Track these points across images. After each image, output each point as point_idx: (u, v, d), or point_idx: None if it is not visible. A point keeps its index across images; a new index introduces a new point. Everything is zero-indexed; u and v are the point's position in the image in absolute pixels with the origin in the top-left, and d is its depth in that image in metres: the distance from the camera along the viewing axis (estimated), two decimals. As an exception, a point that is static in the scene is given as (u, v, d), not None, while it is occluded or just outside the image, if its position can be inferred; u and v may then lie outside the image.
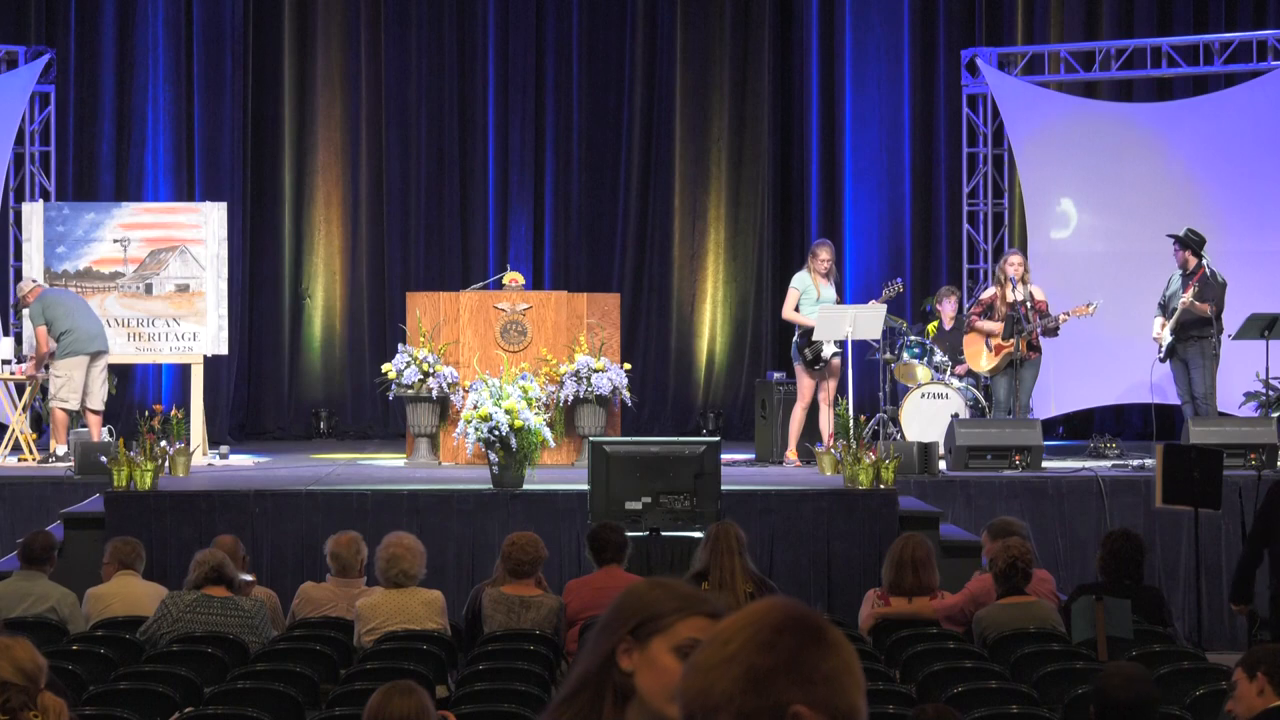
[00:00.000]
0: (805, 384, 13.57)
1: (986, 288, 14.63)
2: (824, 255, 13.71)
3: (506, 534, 8.77)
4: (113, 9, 17.05)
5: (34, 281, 13.76)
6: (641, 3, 17.61)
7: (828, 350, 13.41)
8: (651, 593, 2.81)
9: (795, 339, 13.67)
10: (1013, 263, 13.95)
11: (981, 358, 13.91)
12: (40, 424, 14.66)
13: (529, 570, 8.21)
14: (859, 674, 2.30)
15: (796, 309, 13.60)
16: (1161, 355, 13.77)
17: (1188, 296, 13.47)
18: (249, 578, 8.62)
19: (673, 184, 17.70)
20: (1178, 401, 14.22)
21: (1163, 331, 13.75)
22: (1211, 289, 13.60)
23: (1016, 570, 8.06)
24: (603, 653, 2.78)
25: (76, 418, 13.64)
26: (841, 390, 13.51)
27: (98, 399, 13.45)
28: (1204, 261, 13.74)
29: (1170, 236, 13.97)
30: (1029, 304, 13.74)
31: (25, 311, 13.71)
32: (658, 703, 2.71)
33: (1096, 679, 5.61)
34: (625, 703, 2.76)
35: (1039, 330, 13.72)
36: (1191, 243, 13.79)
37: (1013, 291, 13.77)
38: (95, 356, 13.41)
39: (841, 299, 14.06)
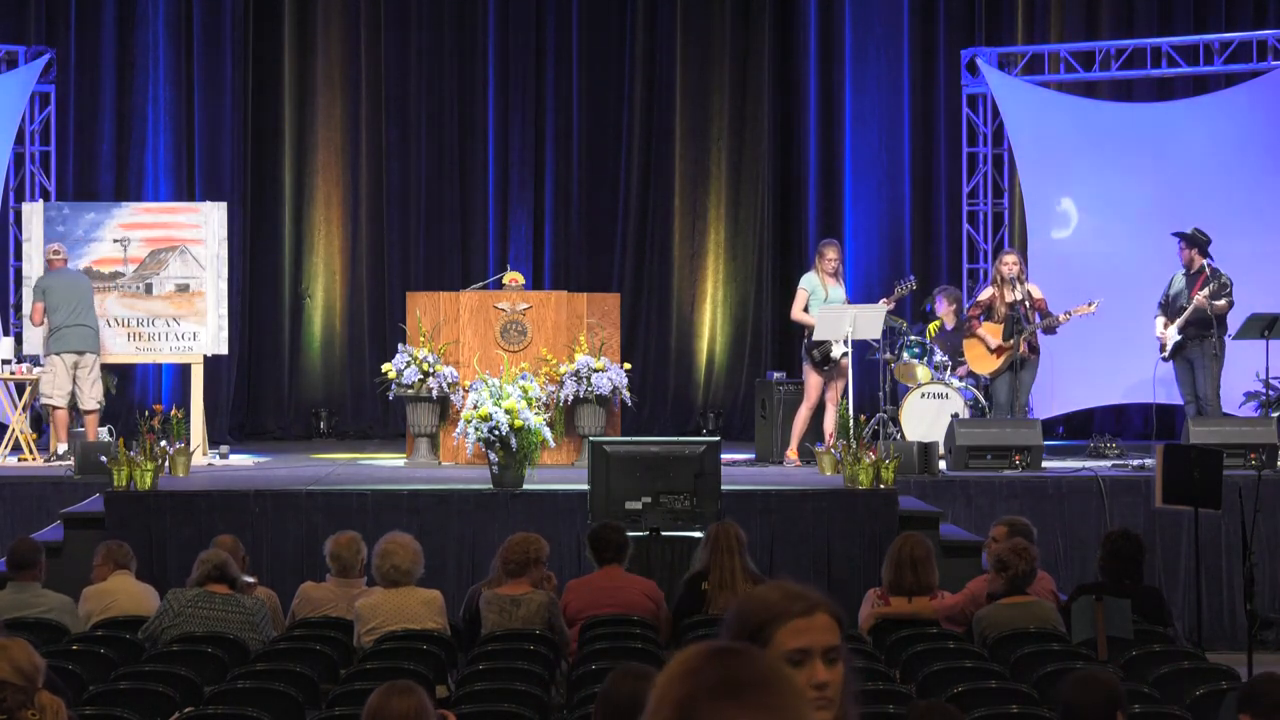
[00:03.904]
0: (813, 384, 13.56)
1: (984, 288, 14.64)
2: (831, 255, 13.71)
3: (507, 534, 8.78)
4: (113, 9, 17.05)
5: (57, 253, 13.71)
6: (641, 3, 17.61)
7: (837, 350, 13.40)
8: (751, 606, 2.77)
9: (804, 339, 13.66)
10: (1007, 262, 13.97)
11: (984, 360, 13.92)
12: (40, 424, 14.67)
13: (521, 570, 8.20)
14: (790, 677, 2.27)
15: (805, 309, 13.60)
16: (1166, 355, 13.78)
17: (1202, 295, 13.47)
18: (251, 579, 8.62)
19: (673, 184, 17.70)
20: (1179, 401, 14.23)
21: (1167, 330, 13.76)
22: (1222, 288, 13.61)
23: (1013, 569, 8.05)
24: None
25: (77, 416, 13.64)
26: (843, 390, 13.52)
27: (88, 399, 13.41)
28: (1208, 261, 13.76)
29: (1177, 234, 13.99)
30: (1027, 303, 13.75)
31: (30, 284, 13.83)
32: None
33: (1061, 687, 5.56)
34: None
35: (1039, 329, 13.74)
36: (1199, 242, 13.81)
37: (1011, 291, 13.78)
38: (79, 357, 13.37)
39: (848, 299, 14.06)
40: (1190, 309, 13.57)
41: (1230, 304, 13.67)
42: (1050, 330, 13.87)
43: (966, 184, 17.17)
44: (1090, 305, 13.62)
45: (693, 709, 2.20)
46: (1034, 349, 13.83)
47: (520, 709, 6.55)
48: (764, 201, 17.59)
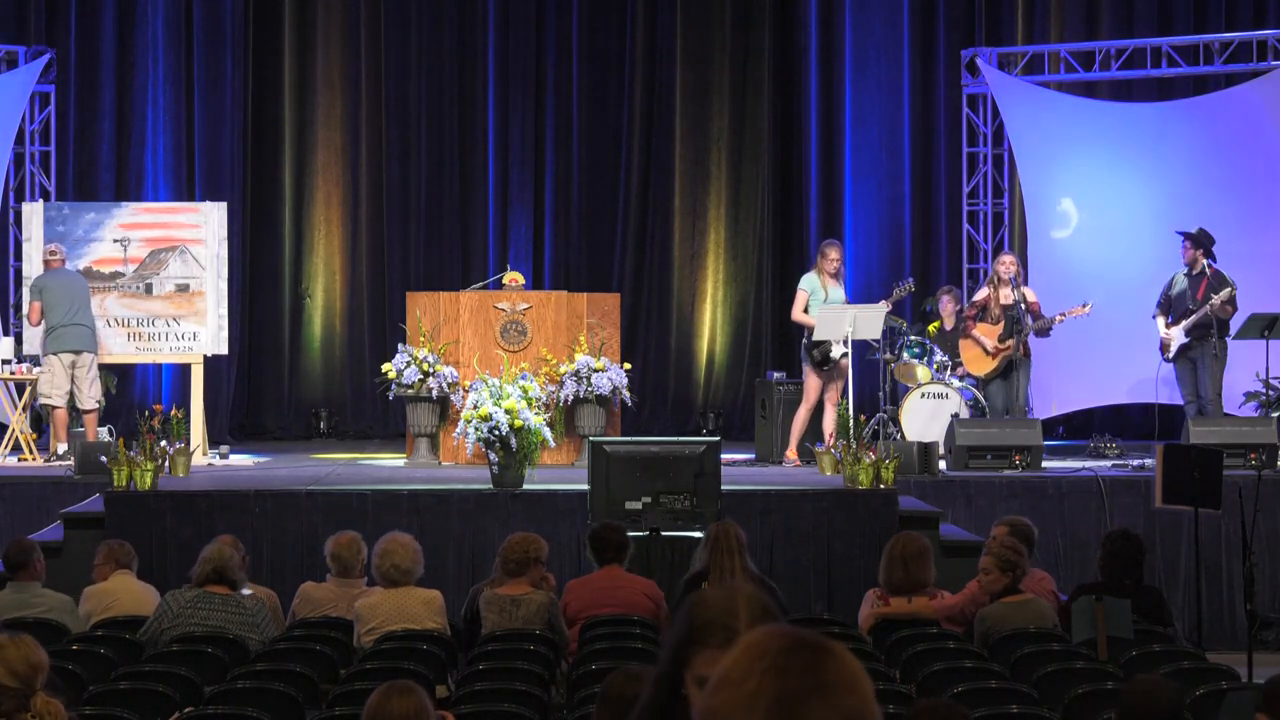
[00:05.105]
0: (812, 384, 13.55)
1: (980, 289, 14.65)
2: (833, 255, 13.70)
3: (507, 534, 8.77)
4: (113, 9, 17.05)
5: (54, 253, 13.71)
6: (641, 3, 17.61)
7: (836, 351, 13.40)
8: (691, 617, 2.84)
9: (804, 340, 13.65)
10: (1005, 263, 13.99)
11: (979, 361, 13.92)
12: (40, 424, 14.67)
13: (520, 570, 8.20)
14: (867, 680, 2.34)
15: (805, 310, 13.59)
16: (1171, 355, 13.77)
17: (1219, 299, 13.47)
18: (248, 592, 8.59)
19: (673, 184, 17.70)
20: (1179, 401, 14.22)
21: (1170, 331, 13.76)
22: (1231, 296, 13.62)
23: (1020, 568, 8.06)
24: (655, 677, 2.84)
25: (77, 416, 13.64)
26: (843, 390, 13.52)
27: (86, 399, 13.42)
28: (1209, 262, 13.76)
29: (1181, 233, 13.99)
30: (1023, 305, 13.76)
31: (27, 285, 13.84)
32: None
33: (1120, 695, 5.54)
34: None
35: (1032, 331, 13.74)
36: (1204, 242, 13.81)
37: (1007, 291, 13.79)
38: (76, 356, 13.38)
39: (847, 299, 14.05)
40: (1201, 312, 13.56)
41: (1235, 309, 13.68)
42: (1043, 333, 13.88)
43: (966, 184, 17.17)
44: (1084, 307, 13.63)
45: (792, 707, 2.27)
46: (1027, 352, 13.85)
47: (520, 709, 6.55)
48: (764, 201, 17.59)
